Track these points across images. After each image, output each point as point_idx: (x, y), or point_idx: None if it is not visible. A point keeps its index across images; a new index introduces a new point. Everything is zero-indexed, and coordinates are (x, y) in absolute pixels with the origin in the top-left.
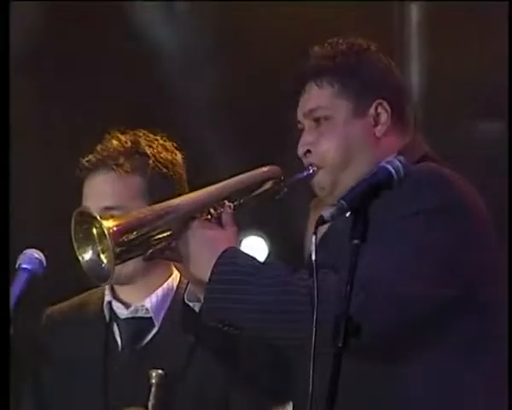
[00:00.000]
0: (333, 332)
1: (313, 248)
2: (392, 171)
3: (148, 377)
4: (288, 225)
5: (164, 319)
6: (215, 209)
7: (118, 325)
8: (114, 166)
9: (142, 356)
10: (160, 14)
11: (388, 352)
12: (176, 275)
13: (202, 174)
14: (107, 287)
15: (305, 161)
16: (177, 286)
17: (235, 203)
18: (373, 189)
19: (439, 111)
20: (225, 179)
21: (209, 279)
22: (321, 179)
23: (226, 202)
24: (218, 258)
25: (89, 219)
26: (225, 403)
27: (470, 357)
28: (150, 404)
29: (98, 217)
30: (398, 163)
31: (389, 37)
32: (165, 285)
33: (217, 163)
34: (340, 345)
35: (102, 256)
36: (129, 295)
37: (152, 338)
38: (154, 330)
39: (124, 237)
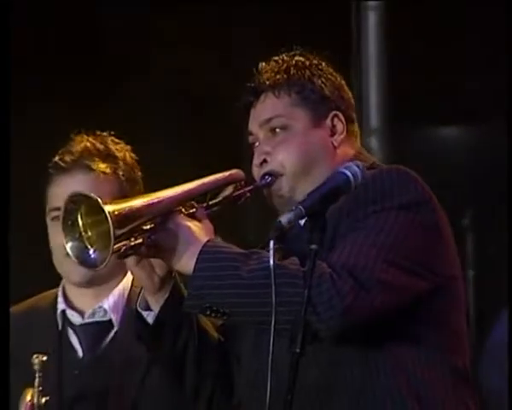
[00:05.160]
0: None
1: (271, 253)
2: (350, 176)
3: None
4: (239, 232)
5: (121, 318)
6: (185, 209)
7: (75, 331)
8: (94, 167)
9: (103, 359)
10: None
11: (366, 337)
12: (129, 276)
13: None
14: (59, 294)
15: (260, 171)
16: (132, 284)
17: (201, 205)
18: (331, 194)
19: (399, 115)
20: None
21: (194, 267)
22: (280, 186)
23: (194, 203)
24: (203, 247)
25: (81, 205)
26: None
27: (440, 347)
28: None
29: (99, 200)
30: (355, 168)
31: (347, 39)
32: (120, 286)
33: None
34: (297, 350)
35: (89, 243)
36: (83, 303)
37: (112, 339)
38: (113, 331)
39: (122, 223)
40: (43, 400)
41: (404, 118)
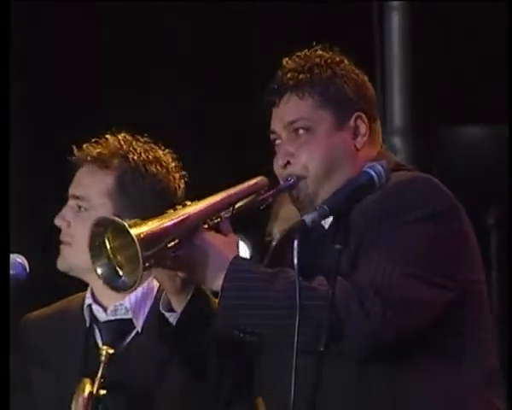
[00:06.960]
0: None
1: (295, 252)
2: (374, 175)
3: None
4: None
5: (146, 319)
6: (210, 220)
7: (99, 328)
8: (89, 159)
9: (120, 359)
10: None
11: (393, 354)
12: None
13: None
14: (88, 290)
15: (284, 172)
16: (159, 288)
17: (226, 215)
18: (355, 193)
19: (422, 115)
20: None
21: (222, 287)
22: (303, 189)
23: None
24: (230, 265)
25: (107, 228)
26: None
27: (467, 356)
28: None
29: (126, 225)
30: (379, 168)
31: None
32: (145, 285)
33: None
34: (322, 349)
35: (118, 266)
36: (108, 298)
37: (132, 339)
38: (134, 332)
39: (149, 245)
40: (102, 392)
41: (428, 117)
